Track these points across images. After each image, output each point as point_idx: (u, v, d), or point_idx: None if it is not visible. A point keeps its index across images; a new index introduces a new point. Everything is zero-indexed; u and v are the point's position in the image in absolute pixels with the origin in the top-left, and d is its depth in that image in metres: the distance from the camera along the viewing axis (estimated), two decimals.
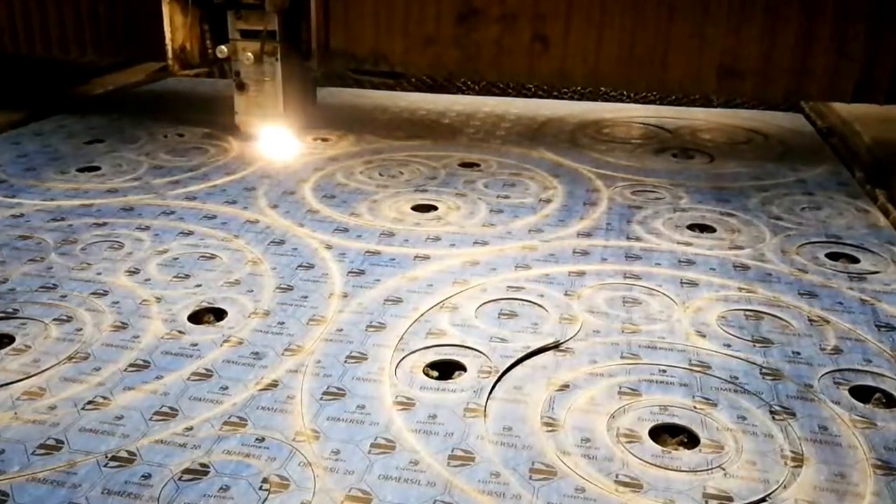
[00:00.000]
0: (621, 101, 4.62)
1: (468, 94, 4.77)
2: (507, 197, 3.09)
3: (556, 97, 4.65)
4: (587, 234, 2.75)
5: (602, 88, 4.45)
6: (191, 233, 2.76)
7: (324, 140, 3.81)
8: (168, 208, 2.97)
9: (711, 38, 3.34)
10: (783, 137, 3.91)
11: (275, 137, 3.73)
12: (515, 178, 3.30)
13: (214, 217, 2.89)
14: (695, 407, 1.77)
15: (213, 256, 2.58)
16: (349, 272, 2.48)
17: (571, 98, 4.65)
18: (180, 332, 2.14)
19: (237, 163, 3.46)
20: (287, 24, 3.55)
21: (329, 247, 2.66)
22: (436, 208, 3.00)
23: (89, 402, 1.82)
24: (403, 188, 3.19)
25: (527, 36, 3.38)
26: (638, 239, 2.72)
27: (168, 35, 3.58)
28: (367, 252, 2.62)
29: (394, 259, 2.58)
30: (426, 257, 2.58)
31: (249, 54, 3.49)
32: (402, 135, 3.88)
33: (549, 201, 3.05)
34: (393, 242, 2.70)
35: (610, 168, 3.39)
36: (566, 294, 2.34)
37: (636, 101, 4.61)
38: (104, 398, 1.84)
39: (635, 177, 3.30)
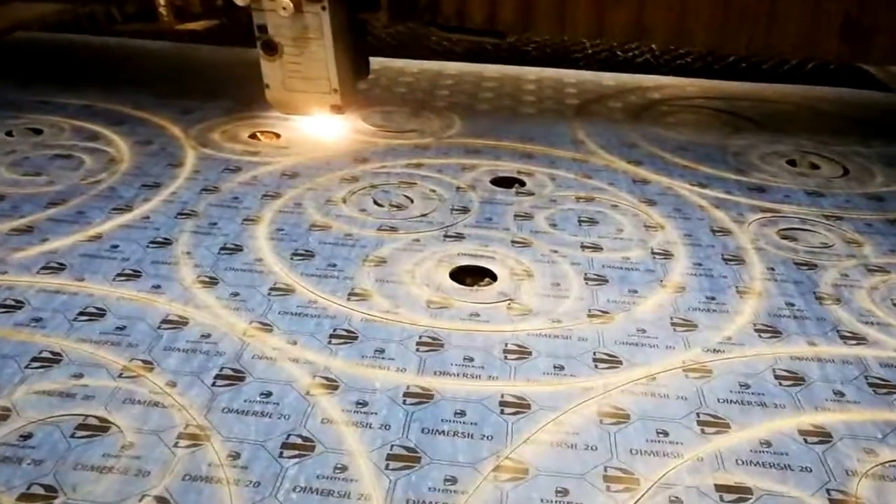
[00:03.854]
0: (650, 68, 3.41)
1: (451, 59, 3.43)
2: (596, 247, 1.86)
3: (556, 63, 3.41)
4: (772, 331, 1.58)
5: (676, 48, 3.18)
6: (58, 358, 1.40)
7: (266, 135, 2.44)
8: (13, 294, 1.58)
9: None
10: None
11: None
12: (589, 204, 2.06)
13: (102, 315, 1.52)
14: None
15: (104, 426, 1.25)
16: (387, 459, 1.22)
17: (583, 65, 3.42)
18: None
19: (132, 185, 2.04)
20: None
21: (331, 384, 1.37)
22: (491, 274, 1.75)
23: None
24: (422, 230, 1.90)
25: None
26: (858, 338, 1.56)
27: None
28: (406, 395, 1.36)
29: (462, 413, 1.32)
30: (521, 406, 1.34)
31: (286, 1, 2.15)
32: (387, 125, 2.55)
33: (667, 255, 1.85)
34: (447, 365, 1.43)
35: (719, 186, 2.19)
36: (831, 498, 1.17)
37: (670, 71, 3.40)
38: None
39: (763, 202, 2.12)
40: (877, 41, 2.33)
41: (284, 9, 2.14)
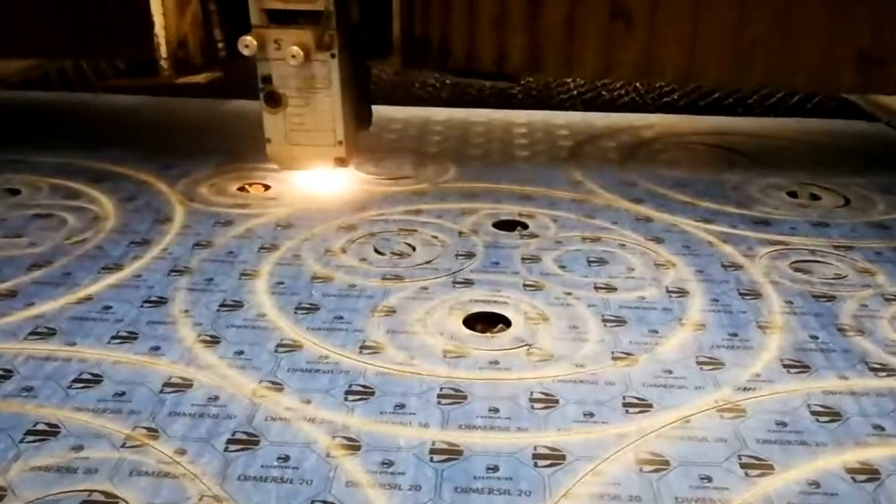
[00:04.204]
0: (636, 107, 3.46)
1: (436, 104, 3.45)
2: (609, 287, 1.84)
3: (540, 105, 3.45)
4: (801, 366, 1.56)
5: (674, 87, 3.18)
6: (55, 429, 1.32)
7: (255, 187, 2.40)
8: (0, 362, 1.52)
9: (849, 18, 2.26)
10: None
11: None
12: (596, 244, 2.05)
13: (98, 381, 1.46)
14: None
15: (111, 502, 1.18)
16: None
17: (570, 106, 3.45)
18: None
19: (120, 243, 1.98)
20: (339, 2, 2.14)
21: (352, 444, 1.31)
22: (505, 320, 1.71)
23: None
24: (428, 278, 1.87)
25: (604, 12, 2.16)
26: (889, 370, 1.54)
27: (159, 22, 2.14)
28: (433, 452, 1.30)
29: (495, 469, 1.27)
30: (556, 457, 1.29)
31: (296, 49, 2.05)
32: (381, 173, 2.52)
33: (683, 293, 1.83)
34: (472, 418, 1.38)
35: (724, 221, 2.20)
36: None
37: (656, 108, 3.44)
38: None
39: (769, 235, 2.13)
40: (893, 71, 2.37)
41: (294, 57, 2.05)
